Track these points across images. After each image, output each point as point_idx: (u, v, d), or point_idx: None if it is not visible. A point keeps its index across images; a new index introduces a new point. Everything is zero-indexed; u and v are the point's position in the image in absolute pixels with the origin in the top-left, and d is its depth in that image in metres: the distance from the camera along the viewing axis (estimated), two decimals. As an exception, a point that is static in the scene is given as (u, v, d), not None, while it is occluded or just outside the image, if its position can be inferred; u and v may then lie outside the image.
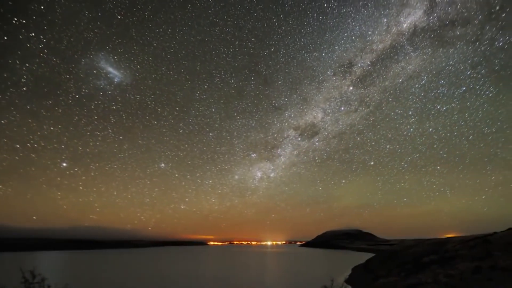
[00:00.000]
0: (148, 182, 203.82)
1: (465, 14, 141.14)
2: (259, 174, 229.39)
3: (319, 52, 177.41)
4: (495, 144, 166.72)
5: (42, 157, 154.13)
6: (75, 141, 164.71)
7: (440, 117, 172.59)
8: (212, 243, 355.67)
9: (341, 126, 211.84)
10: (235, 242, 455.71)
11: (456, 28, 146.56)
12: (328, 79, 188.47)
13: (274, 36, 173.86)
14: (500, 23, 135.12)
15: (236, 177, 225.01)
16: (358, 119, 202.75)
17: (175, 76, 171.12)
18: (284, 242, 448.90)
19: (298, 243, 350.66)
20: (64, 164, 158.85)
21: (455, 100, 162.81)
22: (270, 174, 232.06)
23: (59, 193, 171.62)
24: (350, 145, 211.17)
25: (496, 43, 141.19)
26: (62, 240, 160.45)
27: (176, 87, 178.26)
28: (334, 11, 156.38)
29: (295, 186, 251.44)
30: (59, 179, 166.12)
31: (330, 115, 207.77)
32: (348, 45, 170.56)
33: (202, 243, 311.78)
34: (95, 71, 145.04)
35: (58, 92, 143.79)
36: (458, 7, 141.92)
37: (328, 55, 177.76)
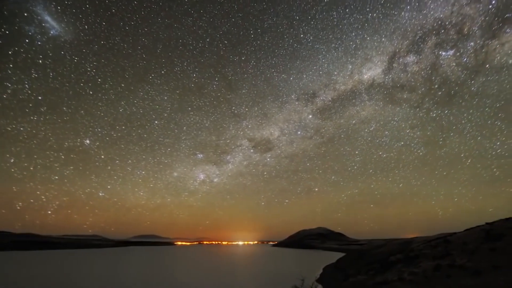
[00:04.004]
0: (63, 156, 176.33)
1: (412, 83, 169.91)
2: (201, 176, 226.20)
3: (288, 75, 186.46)
4: (417, 195, 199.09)
5: None
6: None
7: (380, 162, 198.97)
8: (180, 243, 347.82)
9: (294, 149, 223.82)
10: (204, 242, 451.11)
11: (404, 92, 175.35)
12: (291, 102, 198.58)
13: (248, 47, 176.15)
14: (436, 98, 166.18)
15: (175, 174, 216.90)
16: (311, 146, 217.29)
17: (129, 51, 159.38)
18: (256, 242, 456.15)
19: (271, 243, 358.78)
20: None
21: (394, 151, 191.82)
22: (213, 179, 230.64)
23: None
24: (299, 168, 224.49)
25: (431, 113, 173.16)
26: None
27: (128, 63, 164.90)
28: (308, 44, 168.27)
29: (237, 196, 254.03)
30: None
31: (287, 135, 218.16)
32: (315, 77, 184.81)
33: (169, 243, 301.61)
34: (26, 14, 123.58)
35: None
36: (408, 76, 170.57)
37: (295, 80, 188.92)
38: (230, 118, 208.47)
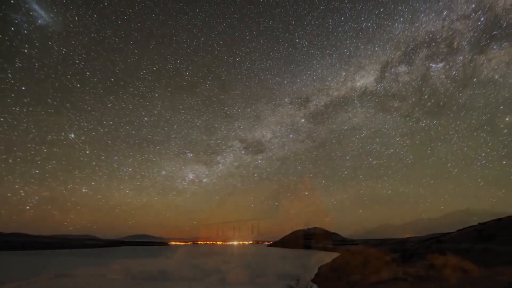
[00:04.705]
0: (45, 150, 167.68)
1: (403, 93, 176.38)
2: (191, 176, 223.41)
3: (282, 78, 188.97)
4: (405, 202, 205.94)
5: None
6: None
7: (370, 168, 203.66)
8: (174, 243, 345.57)
9: (286, 152, 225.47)
10: (199, 242, 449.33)
11: (395, 101, 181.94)
12: (284, 105, 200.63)
13: (243, 48, 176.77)
14: (425, 108, 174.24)
15: (163, 172, 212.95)
16: (302, 150, 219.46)
17: (121, 45, 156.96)
18: (251, 242, 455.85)
19: (266, 243, 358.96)
20: None
21: (383, 158, 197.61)
22: (203, 179, 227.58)
23: None
24: (290, 172, 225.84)
25: (420, 123, 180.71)
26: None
27: (119, 57, 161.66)
28: (304, 49, 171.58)
29: (227, 197, 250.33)
30: None
31: (279, 138, 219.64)
32: (308, 82, 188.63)
33: (163, 243, 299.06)
34: (12, 1, 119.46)
35: None
36: (400, 85, 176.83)
37: (289, 84, 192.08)
38: (222, 118, 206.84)
